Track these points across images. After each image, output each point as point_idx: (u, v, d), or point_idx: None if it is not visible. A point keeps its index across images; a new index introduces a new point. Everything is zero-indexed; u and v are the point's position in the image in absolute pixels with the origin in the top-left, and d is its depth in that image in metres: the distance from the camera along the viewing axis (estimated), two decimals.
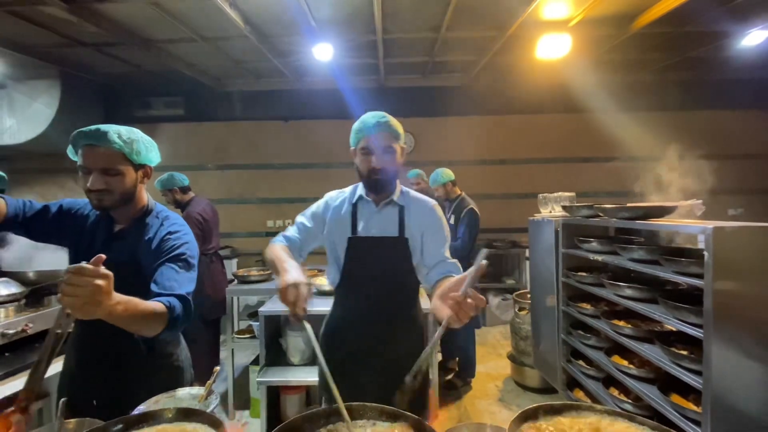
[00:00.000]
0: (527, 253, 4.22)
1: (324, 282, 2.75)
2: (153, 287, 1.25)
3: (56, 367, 2.08)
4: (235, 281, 3.32)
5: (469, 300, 0.93)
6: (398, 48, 4.50)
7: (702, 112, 5.67)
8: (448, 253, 1.49)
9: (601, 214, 2.30)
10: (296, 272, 1.20)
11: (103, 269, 0.96)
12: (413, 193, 1.60)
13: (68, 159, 1.40)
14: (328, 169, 5.60)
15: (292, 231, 1.56)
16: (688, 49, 4.65)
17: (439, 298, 1.12)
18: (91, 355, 1.43)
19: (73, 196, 2.09)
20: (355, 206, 1.54)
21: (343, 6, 3.53)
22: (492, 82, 5.49)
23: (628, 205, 2.11)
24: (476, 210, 3.44)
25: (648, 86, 5.60)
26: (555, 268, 2.76)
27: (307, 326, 1.10)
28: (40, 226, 1.44)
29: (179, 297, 1.25)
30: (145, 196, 1.48)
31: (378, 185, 1.48)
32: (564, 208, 2.70)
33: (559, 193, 3.07)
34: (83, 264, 0.93)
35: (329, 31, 3.95)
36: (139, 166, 1.40)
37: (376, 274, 1.47)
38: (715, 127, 5.63)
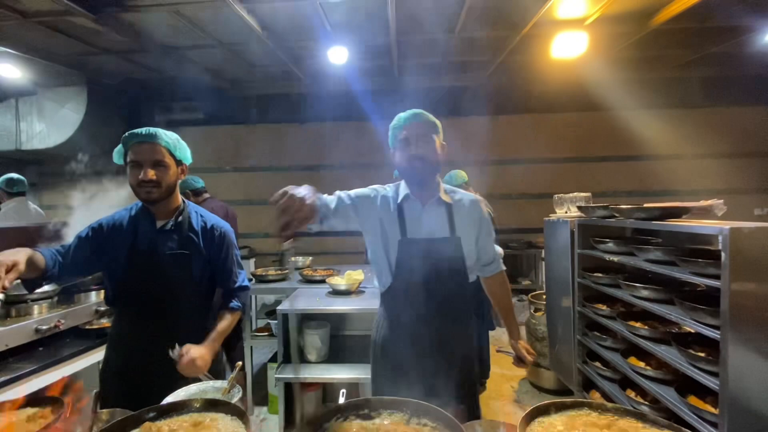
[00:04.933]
0: (543, 254, 4.20)
1: (339, 281, 2.80)
2: (220, 285, 1.64)
3: (87, 361, 2.20)
4: (253, 280, 3.41)
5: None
6: (412, 49, 4.52)
7: (725, 109, 5.52)
8: (494, 247, 1.63)
9: (617, 215, 2.29)
10: (308, 189, 1.08)
11: (191, 352, 1.39)
12: (457, 191, 1.59)
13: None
14: (344, 170, 5.67)
15: (327, 197, 1.46)
16: (709, 45, 4.54)
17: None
18: (135, 350, 1.53)
19: (99, 200, 2.22)
20: (400, 206, 1.48)
21: (358, 9, 3.58)
22: (507, 81, 5.47)
23: (645, 205, 2.09)
24: (490, 210, 3.44)
25: (668, 83, 5.49)
26: (571, 269, 2.74)
27: (289, 250, 0.97)
28: (81, 258, 1.52)
29: (241, 288, 1.66)
30: (179, 193, 1.63)
31: (420, 174, 1.44)
32: (579, 208, 2.68)
33: (575, 194, 3.05)
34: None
35: (344, 35, 4.01)
36: (179, 163, 1.56)
37: (430, 277, 1.41)
38: (738, 124, 5.49)
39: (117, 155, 1.52)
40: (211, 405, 0.93)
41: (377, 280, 1.57)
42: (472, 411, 1.48)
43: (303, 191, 1.07)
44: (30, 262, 1.33)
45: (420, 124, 1.45)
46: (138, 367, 1.48)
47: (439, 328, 1.43)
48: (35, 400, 1.03)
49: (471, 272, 1.53)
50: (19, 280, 1.30)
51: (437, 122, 1.49)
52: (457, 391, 1.39)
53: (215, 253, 1.60)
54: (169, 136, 1.51)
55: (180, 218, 1.57)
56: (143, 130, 1.47)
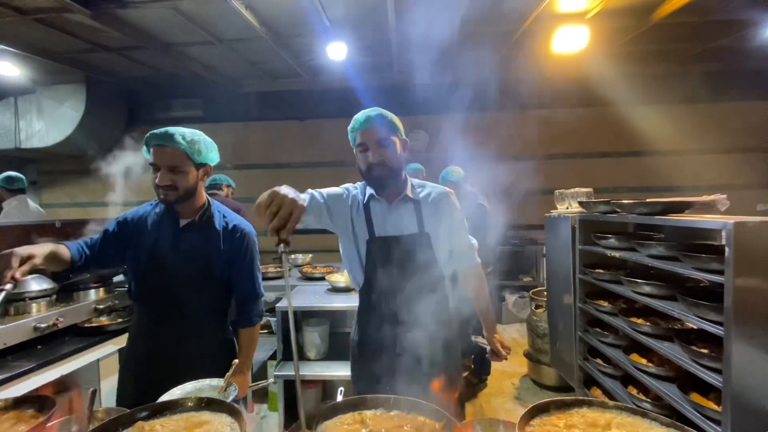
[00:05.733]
0: (544, 251, 4.18)
1: (339, 279, 2.79)
2: (238, 289, 1.62)
3: (86, 359, 2.20)
4: None
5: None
6: (412, 45, 4.48)
7: (728, 103, 5.47)
8: (468, 239, 1.60)
9: (618, 210, 2.26)
10: (290, 189, 1.05)
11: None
12: (425, 183, 1.57)
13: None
14: (344, 167, 5.64)
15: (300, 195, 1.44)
16: (712, 38, 4.50)
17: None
18: (154, 346, 1.54)
19: (97, 198, 2.22)
20: (367, 206, 1.49)
21: (356, 4, 3.55)
22: (508, 77, 5.43)
23: (647, 200, 2.07)
24: (486, 205, 3.42)
25: (670, 78, 5.44)
26: (572, 265, 2.72)
27: (284, 258, 0.94)
28: (108, 251, 1.54)
29: (259, 296, 1.66)
30: (204, 193, 1.61)
31: (379, 181, 1.43)
32: (581, 204, 2.66)
33: (576, 189, 3.02)
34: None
35: (343, 30, 3.98)
36: (200, 165, 1.53)
37: (401, 274, 1.42)
38: (741, 119, 5.44)
39: (145, 152, 1.51)
40: (206, 404, 0.92)
41: (352, 280, 1.58)
42: (454, 406, 1.48)
43: (288, 191, 1.05)
44: (53, 256, 1.36)
45: (375, 129, 1.40)
46: (157, 364, 1.49)
47: (415, 324, 1.43)
48: (27, 399, 1.02)
49: (445, 266, 1.51)
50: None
51: (395, 120, 1.45)
52: (438, 388, 1.38)
53: (235, 254, 1.58)
54: (187, 139, 1.46)
55: (203, 218, 1.56)
56: (161, 131, 1.44)
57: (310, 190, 1.46)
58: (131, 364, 1.57)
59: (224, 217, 1.62)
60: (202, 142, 1.51)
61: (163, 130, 1.44)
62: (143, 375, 1.51)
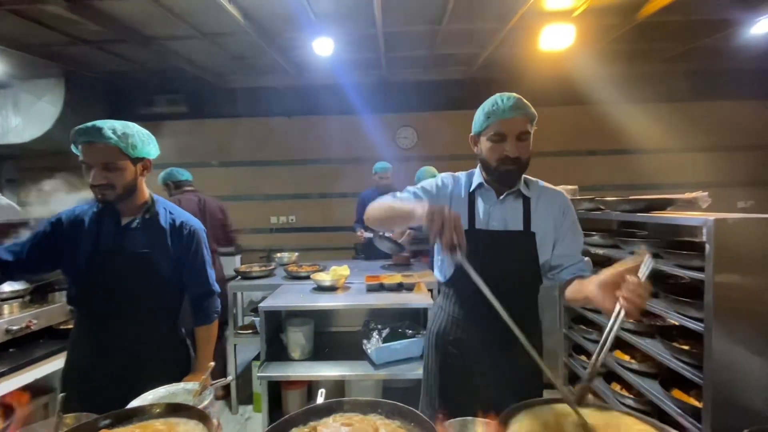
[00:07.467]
0: None
1: (324, 277, 2.75)
2: (190, 288, 1.59)
3: (61, 362, 2.13)
4: (239, 277, 3.34)
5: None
6: (399, 42, 4.46)
7: (711, 102, 5.56)
8: (580, 252, 1.41)
9: (602, 207, 2.27)
10: (424, 206, 1.12)
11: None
12: (540, 183, 1.45)
13: (74, 157, 1.43)
14: (331, 165, 5.60)
15: (402, 195, 1.41)
16: (696, 38, 4.55)
17: (603, 289, 1.07)
18: (99, 354, 1.45)
19: (80, 195, 2.15)
20: (472, 195, 1.39)
21: None
22: (494, 75, 5.43)
23: (630, 197, 2.08)
24: None
25: (655, 77, 5.50)
26: None
27: (465, 262, 1.05)
28: (40, 255, 1.44)
29: (212, 292, 1.62)
30: (146, 189, 1.53)
31: (510, 176, 1.32)
32: None
33: (561, 187, 3.02)
34: None
35: (329, 25, 3.93)
36: (137, 160, 1.44)
37: (497, 272, 1.22)
38: (724, 118, 5.53)
39: (75, 149, 1.41)
40: (174, 410, 0.88)
41: (437, 269, 1.48)
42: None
43: (440, 208, 1.11)
44: None
45: (520, 120, 1.29)
46: (102, 370, 1.42)
47: (502, 326, 1.21)
48: None
49: (543, 271, 1.39)
50: None
51: (535, 113, 1.35)
52: (518, 390, 1.18)
53: (184, 252, 1.52)
54: (118, 132, 1.36)
55: (147, 215, 1.48)
56: (88, 125, 1.34)
57: (409, 192, 1.41)
58: (74, 374, 1.47)
59: (170, 213, 1.54)
60: (136, 135, 1.41)
61: (90, 124, 1.34)
62: (89, 385, 1.40)
